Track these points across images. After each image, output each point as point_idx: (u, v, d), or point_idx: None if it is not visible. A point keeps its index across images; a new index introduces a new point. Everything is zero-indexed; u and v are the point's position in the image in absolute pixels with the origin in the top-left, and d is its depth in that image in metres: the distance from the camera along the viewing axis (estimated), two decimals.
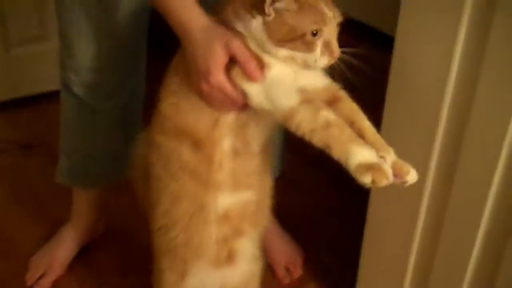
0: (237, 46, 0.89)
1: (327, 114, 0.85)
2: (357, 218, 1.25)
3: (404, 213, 1.12)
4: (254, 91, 0.90)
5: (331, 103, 0.91)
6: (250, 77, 0.89)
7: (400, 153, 0.88)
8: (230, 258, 1.07)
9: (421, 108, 1.02)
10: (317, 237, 1.65)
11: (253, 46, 0.90)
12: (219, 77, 0.90)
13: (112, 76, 1.29)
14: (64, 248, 1.51)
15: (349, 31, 0.94)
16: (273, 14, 0.86)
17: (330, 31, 0.88)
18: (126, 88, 1.34)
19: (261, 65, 0.89)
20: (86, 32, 1.21)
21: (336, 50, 0.89)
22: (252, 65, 0.89)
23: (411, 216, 1.10)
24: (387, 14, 1.35)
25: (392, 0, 1.09)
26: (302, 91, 0.89)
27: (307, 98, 0.87)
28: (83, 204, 1.52)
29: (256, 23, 0.88)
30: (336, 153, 0.83)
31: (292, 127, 0.86)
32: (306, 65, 0.89)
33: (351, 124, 0.88)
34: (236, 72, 0.90)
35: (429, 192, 1.06)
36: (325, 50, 0.89)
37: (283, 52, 0.88)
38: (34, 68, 2.08)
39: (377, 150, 0.85)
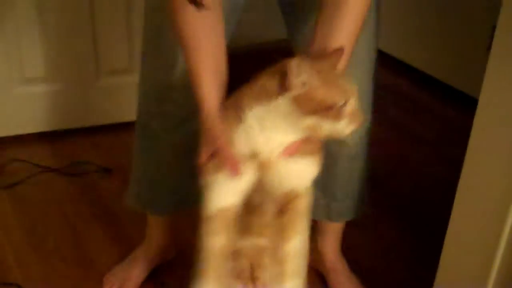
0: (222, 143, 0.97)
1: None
2: (422, 256, 1.25)
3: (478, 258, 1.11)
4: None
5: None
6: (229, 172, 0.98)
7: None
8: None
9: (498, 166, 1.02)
10: (383, 277, 1.66)
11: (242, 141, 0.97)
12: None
13: (184, 106, 1.30)
14: (137, 267, 1.58)
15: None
16: (299, 88, 0.91)
17: (354, 101, 0.94)
18: (195, 119, 1.31)
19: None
20: None
21: (361, 118, 0.95)
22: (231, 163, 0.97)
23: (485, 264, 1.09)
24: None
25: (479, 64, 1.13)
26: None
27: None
28: (156, 228, 1.58)
29: (283, 100, 0.93)
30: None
31: None
32: (332, 134, 0.94)
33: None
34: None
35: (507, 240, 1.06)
36: (352, 119, 0.94)
37: (310, 120, 0.93)
38: (119, 97, 2.20)
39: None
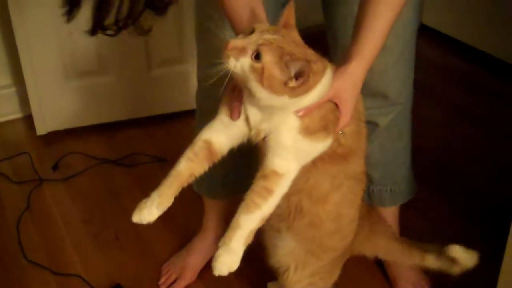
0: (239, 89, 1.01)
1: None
2: (488, 249, 1.21)
3: None
4: None
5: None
6: None
7: None
8: None
9: None
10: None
11: None
12: None
13: None
14: (195, 256, 1.59)
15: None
16: None
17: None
18: None
19: None
20: None
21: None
22: None
23: None
24: None
25: None
26: None
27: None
28: (213, 216, 1.59)
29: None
30: None
31: None
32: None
33: None
34: None
35: None
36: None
37: None
38: (171, 88, 2.20)
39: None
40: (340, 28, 1.32)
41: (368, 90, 1.19)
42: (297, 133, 0.98)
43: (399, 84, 1.39)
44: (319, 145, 1.01)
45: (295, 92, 0.93)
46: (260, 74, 0.91)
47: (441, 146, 2.15)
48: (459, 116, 2.33)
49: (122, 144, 2.17)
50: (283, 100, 0.93)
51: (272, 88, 0.92)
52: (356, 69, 1.03)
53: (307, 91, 0.94)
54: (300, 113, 0.97)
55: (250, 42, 0.92)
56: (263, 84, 0.92)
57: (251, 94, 0.94)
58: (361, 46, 1.03)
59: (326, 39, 1.40)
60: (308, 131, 0.98)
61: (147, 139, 2.19)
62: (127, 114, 2.24)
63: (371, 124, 1.38)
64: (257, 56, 0.91)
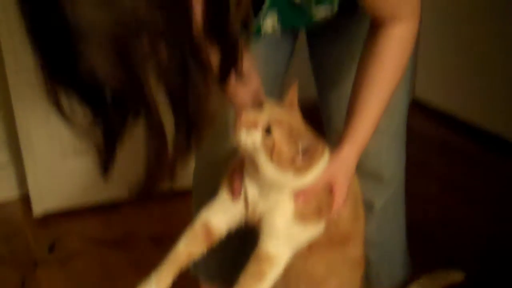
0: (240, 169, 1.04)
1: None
2: None
3: None
4: None
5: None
6: None
7: None
8: None
9: None
10: None
11: None
12: None
13: None
14: None
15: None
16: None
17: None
18: None
19: None
20: None
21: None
22: None
23: None
24: None
25: None
26: None
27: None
28: None
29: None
30: None
31: None
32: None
33: None
34: None
35: None
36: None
37: None
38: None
39: None
40: (334, 110, 1.34)
41: (363, 172, 1.21)
42: (291, 218, 0.99)
43: (393, 164, 1.40)
44: (312, 229, 1.02)
45: (300, 169, 0.96)
46: (271, 149, 0.93)
47: (434, 221, 2.14)
48: (452, 190, 2.32)
49: (119, 224, 2.14)
50: (287, 177, 0.95)
51: (280, 164, 0.94)
52: (349, 154, 1.05)
53: (310, 169, 0.97)
54: (300, 199, 0.98)
55: (261, 117, 0.94)
56: (272, 159, 0.94)
57: (256, 170, 0.96)
58: (353, 131, 1.05)
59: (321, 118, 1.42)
60: (301, 216, 0.99)
61: (145, 219, 2.17)
62: (124, 194, 2.22)
63: (367, 205, 1.34)
64: (268, 131, 0.94)
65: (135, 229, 2.10)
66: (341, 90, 1.28)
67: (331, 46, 1.29)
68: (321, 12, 1.05)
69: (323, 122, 1.40)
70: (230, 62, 0.76)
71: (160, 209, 2.20)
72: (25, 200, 2.24)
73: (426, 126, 2.77)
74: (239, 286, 0.98)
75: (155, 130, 0.69)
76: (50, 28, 0.61)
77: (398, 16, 1.02)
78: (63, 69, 0.63)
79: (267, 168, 0.95)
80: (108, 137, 0.71)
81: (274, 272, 0.99)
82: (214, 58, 0.72)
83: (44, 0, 0.60)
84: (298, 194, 0.99)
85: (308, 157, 0.95)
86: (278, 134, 0.93)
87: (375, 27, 1.04)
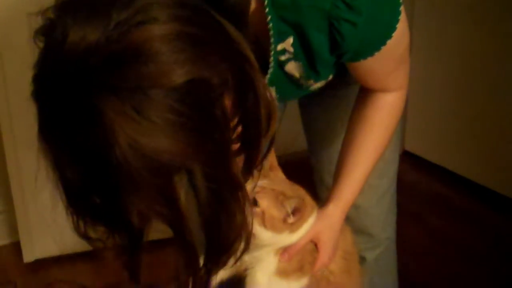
0: None
1: None
2: None
3: None
4: None
5: None
6: None
7: None
8: None
9: None
10: None
11: None
12: None
13: None
14: None
15: None
16: None
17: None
18: None
19: None
20: None
21: None
22: None
23: None
24: None
25: None
26: None
27: None
28: None
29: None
30: None
31: None
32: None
33: None
34: None
35: None
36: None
37: None
38: None
39: None
40: (325, 166, 1.36)
41: (353, 227, 1.23)
42: (273, 273, 1.02)
43: (383, 220, 1.42)
44: (294, 285, 1.05)
45: (293, 227, 1.00)
46: (262, 218, 0.98)
47: (428, 273, 2.12)
48: (445, 243, 2.30)
49: (110, 271, 2.09)
50: (283, 236, 1.00)
51: (274, 228, 0.98)
52: (334, 212, 1.07)
53: (302, 225, 1.01)
54: (285, 258, 1.02)
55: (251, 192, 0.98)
56: (266, 226, 0.98)
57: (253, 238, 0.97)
58: (339, 191, 1.08)
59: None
60: (283, 273, 1.03)
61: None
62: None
63: (359, 259, 1.31)
64: (255, 202, 0.98)
65: (127, 276, 2.05)
66: (332, 148, 1.31)
67: (321, 107, 1.32)
68: (318, 85, 1.07)
69: (314, 178, 1.42)
70: (250, 172, 0.78)
71: (153, 256, 2.13)
72: (15, 246, 2.23)
73: (417, 177, 2.77)
74: None
75: (188, 254, 0.72)
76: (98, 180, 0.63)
77: (387, 89, 1.05)
78: (103, 215, 0.66)
79: (263, 234, 0.99)
80: (132, 249, 0.73)
81: None
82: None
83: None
84: (283, 251, 1.02)
85: (299, 214, 0.99)
86: (264, 202, 0.97)
87: (365, 91, 1.07)
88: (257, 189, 0.98)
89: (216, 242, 0.72)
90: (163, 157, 0.61)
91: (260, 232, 0.98)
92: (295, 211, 0.99)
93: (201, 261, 0.75)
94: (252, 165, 0.76)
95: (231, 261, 0.77)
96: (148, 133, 0.60)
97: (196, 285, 0.76)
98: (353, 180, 1.08)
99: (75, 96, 0.60)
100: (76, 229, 0.70)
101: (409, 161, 2.78)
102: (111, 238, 0.70)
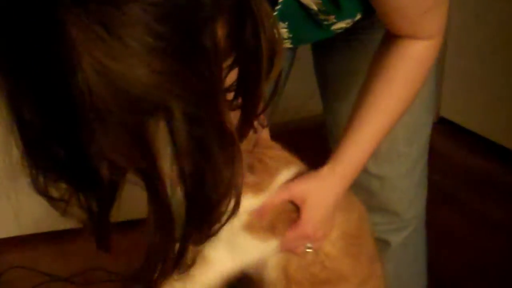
0: None
1: None
2: None
3: None
4: None
5: None
6: None
7: None
8: None
9: None
10: None
11: None
12: None
13: None
14: None
15: None
16: None
17: None
18: None
19: None
20: None
21: None
22: None
23: None
24: None
25: None
26: None
27: None
28: None
29: None
30: None
31: None
32: None
33: None
34: None
35: None
36: None
37: None
38: (137, 191, 2.08)
39: None
40: (341, 127, 1.29)
41: (376, 204, 1.25)
42: (238, 226, 0.99)
43: (412, 196, 1.38)
44: (260, 246, 1.02)
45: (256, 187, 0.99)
46: None
47: (465, 267, 2.02)
48: (484, 228, 2.23)
49: (77, 257, 2.02)
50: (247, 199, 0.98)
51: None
52: (327, 174, 1.03)
53: (268, 182, 1.00)
54: (255, 214, 0.99)
55: None
56: None
57: None
58: (340, 151, 1.04)
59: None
60: (250, 228, 1.00)
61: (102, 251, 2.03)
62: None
63: (382, 243, 1.37)
64: None
65: (96, 263, 1.95)
66: (349, 103, 1.26)
67: (341, 55, 1.29)
68: (341, 25, 1.05)
69: (330, 144, 1.37)
70: (250, 124, 0.76)
71: (126, 239, 2.05)
72: None
73: (453, 148, 2.72)
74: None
75: (163, 217, 0.67)
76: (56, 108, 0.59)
77: (418, 35, 1.01)
78: (61, 157, 0.62)
79: None
80: (100, 211, 0.69)
81: (205, 275, 1.00)
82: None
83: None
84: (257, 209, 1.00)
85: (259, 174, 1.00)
86: None
87: (390, 37, 1.03)
88: None
89: (198, 202, 0.68)
90: (135, 88, 0.57)
91: None
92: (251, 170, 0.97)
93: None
94: (250, 115, 0.74)
95: (216, 229, 0.74)
96: (119, 57, 0.56)
97: (168, 260, 0.71)
98: (360, 140, 1.03)
99: (33, 8, 0.57)
100: (35, 184, 0.67)
101: (444, 129, 2.74)
102: (76, 198, 0.67)
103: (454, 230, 2.20)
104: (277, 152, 1.04)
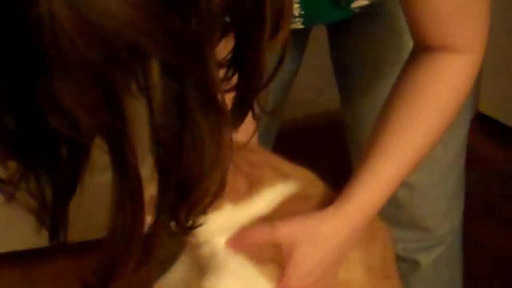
0: None
1: None
2: None
3: None
4: None
5: None
6: None
7: None
8: None
9: None
10: None
11: None
12: None
13: None
14: None
15: None
16: None
17: None
18: None
19: None
20: None
21: None
22: None
23: None
24: None
25: None
26: None
27: None
28: None
29: None
30: None
31: None
32: None
33: None
34: None
35: None
36: None
37: None
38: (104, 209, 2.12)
39: None
40: (364, 122, 1.26)
41: (404, 217, 1.23)
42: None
43: (446, 207, 1.33)
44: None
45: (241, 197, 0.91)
46: None
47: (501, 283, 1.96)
48: None
49: (44, 277, 1.99)
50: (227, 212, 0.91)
51: None
52: (333, 214, 0.93)
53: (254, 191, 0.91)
54: (231, 244, 0.94)
55: None
56: None
57: None
58: (352, 185, 0.94)
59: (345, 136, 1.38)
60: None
61: (76, 270, 1.92)
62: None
63: (411, 264, 1.33)
64: None
65: (64, 284, 1.91)
66: (374, 97, 1.23)
67: (363, 40, 1.26)
68: (363, 2, 1.03)
69: (348, 146, 1.37)
70: (249, 101, 0.71)
71: (97, 259, 2.00)
72: None
73: (494, 149, 2.61)
74: None
75: (128, 191, 0.60)
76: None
77: (454, 46, 0.95)
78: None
79: None
80: (57, 196, 0.62)
81: None
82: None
83: None
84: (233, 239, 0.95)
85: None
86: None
87: (420, 50, 0.97)
88: None
89: (173, 178, 0.62)
90: (106, 22, 0.53)
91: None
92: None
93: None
94: (248, 93, 0.69)
95: (196, 213, 0.69)
96: None
97: (134, 250, 0.63)
98: (379, 177, 0.94)
99: None
100: None
101: (483, 127, 2.62)
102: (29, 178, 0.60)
103: (495, 248, 2.10)
104: (266, 158, 0.96)
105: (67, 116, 0.55)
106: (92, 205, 1.97)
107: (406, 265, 1.17)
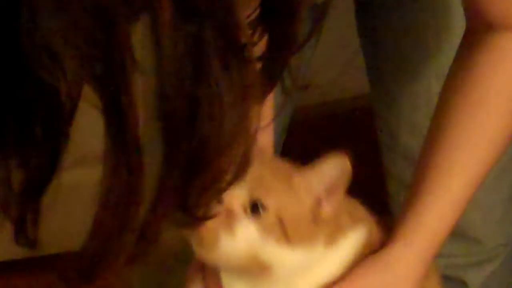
0: None
1: None
2: None
3: None
4: None
5: None
6: None
7: None
8: None
9: None
10: None
11: None
12: None
13: None
14: None
15: None
16: None
17: None
18: None
19: None
20: None
21: None
22: None
23: None
24: None
25: None
26: None
27: None
28: None
29: None
30: None
31: None
32: None
33: None
34: None
35: None
36: None
37: None
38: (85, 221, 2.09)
39: None
40: (403, 114, 1.23)
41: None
42: None
43: (500, 216, 1.25)
44: None
45: (332, 223, 0.84)
46: (278, 228, 0.83)
47: None
48: None
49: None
50: (318, 248, 0.83)
51: (302, 236, 0.84)
52: (400, 257, 0.86)
53: (340, 233, 0.85)
54: None
55: (233, 199, 0.82)
56: (290, 239, 0.83)
57: (263, 272, 0.84)
58: (412, 217, 0.87)
59: (376, 129, 1.31)
60: None
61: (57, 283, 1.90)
62: (30, 251, 1.91)
63: (456, 284, 1.26)
64: (255, 208, 0.82)
65: None
66: (415, 83, 1.17)
67: (397, 14, 1.18)
68: None
69: (379, 139, 1.31)
70: (277, 72, 0.67)
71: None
72: None
73: None
74: None
75: (124, 158, 0.54)
76: None
77: None
78: None
79: (288, 257, 0.83)
80: (29, 186, 0.57)
81: None
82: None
83: None
84: None
85: (339, 189, 0.82)
86: (274, 200, 0.83)
87: (475, 33, 0.89)
88: (249, 185, 0.80)
89: (182, 149, 0.56)
90: None
91: (282, 256, 0.82)
92: (329, 191, 0.81)
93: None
94: (279, 59, 0.65)
95: (207, 199, 0.62)
96: None
97: (127, 235, 0.57)
98: (447, 197, 0.87)
99: None
100: None
101: None
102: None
103: None
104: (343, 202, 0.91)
105: (53, 67, 0.50)
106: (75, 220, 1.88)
107: (450, 285, 1.10)
